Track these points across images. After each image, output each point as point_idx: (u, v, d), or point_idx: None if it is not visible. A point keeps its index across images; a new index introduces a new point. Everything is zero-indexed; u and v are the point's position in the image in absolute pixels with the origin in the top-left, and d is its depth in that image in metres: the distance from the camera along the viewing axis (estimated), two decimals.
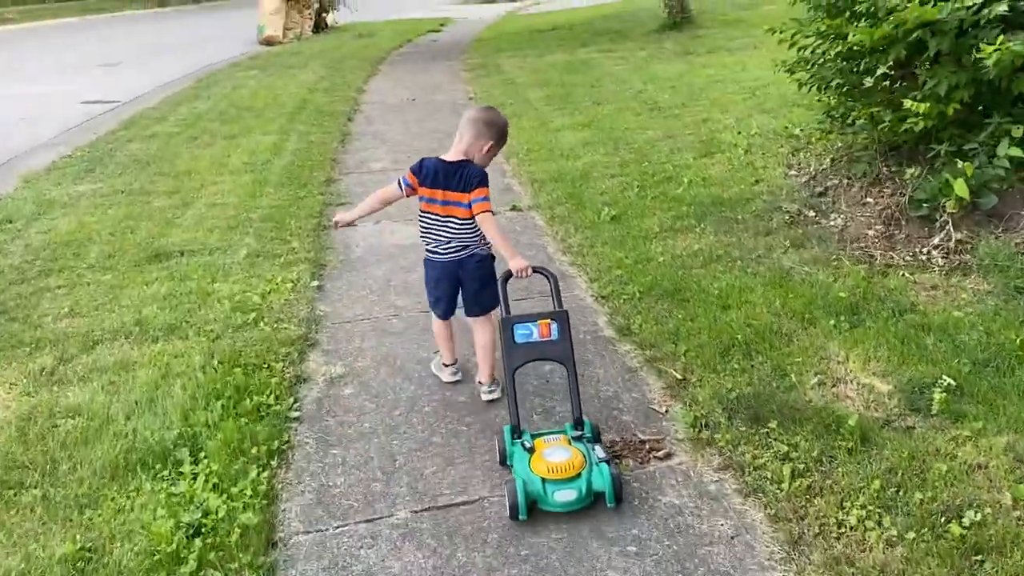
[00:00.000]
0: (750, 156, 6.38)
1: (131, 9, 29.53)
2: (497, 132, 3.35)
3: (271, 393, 3.57)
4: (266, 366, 3.81)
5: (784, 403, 3.15)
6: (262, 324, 4.23)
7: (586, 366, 3.70)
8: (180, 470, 3.06)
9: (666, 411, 3.30)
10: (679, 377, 3.46)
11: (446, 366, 3.66)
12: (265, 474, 3.01)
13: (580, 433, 2.94)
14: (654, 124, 7.70)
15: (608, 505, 2.74)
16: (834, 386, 3.27)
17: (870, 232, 4.67)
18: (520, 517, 2.70)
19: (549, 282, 3.20)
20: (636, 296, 4.25)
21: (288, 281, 4.77)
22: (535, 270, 3.19)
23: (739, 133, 6.97)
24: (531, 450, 2.84)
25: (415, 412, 3.45)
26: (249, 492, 2.90)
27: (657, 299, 4.18)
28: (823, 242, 4.65)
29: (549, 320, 3.01)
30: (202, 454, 3.14)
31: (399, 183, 3.38)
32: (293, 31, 18.98)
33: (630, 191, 5.88)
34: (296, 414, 3.47)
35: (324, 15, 20.43)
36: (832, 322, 3.72)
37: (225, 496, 2.89)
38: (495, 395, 3.47)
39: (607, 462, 2.78)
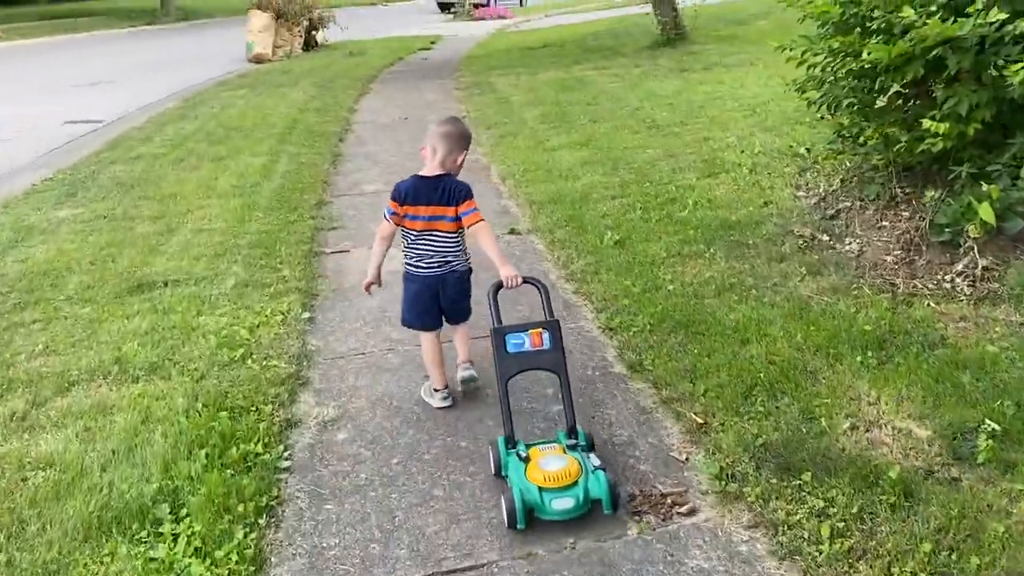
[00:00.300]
0: (755, 176, 6.17)
1: (119, 28, 29.27)
2: (467, 142, 3.48)
3: (259, 440, 3.31)
4: (254, 409, 3.56)
5: (816, 451, 2.91)
6: (250, 361, 3.98)
7: (598, 407, 3.46)
8: (159, 530, 2.79)
9: (687, 459, 3.06)
10: (699, 421, 3.22)
11: (436, 391, 3.59)
12: (253, 535, 2.75)
13: (574, 441, 2.96)
14: (653, 143, 7.50)
15: (605, 512, 2.74)
16: (868, 431, 3.04)
17: (888, 258, 4.45)
18: (519, 526, 2.70)
19: (540, 292, 3.25)
20: (646, 328, 4.01)
21: (278, 313, 4.52)
22: (525, 280, 3.26)
23: (742, 152, 6.77)
24: (526, 459, 2.85)
25: (415, 460, 3.20)
26: (235, 557, 2.64)
27: (669, 332, 3.95)
28: (840, 269, 4.44)
29: (541, 329, 3.05)
30: (184, 511, 2.88)
31: (385, 217, 3.46)
32: (283, 49, 18.79)
33: (633, 213, 5.66)
34: (286, 463, 3.22)
35: (314, 33, 20.25)
36: (859, 358, 3.49)
37: (209, 562, 2.63)
38: (470, 372, 3.57)
39: (603, 470, 2.79)
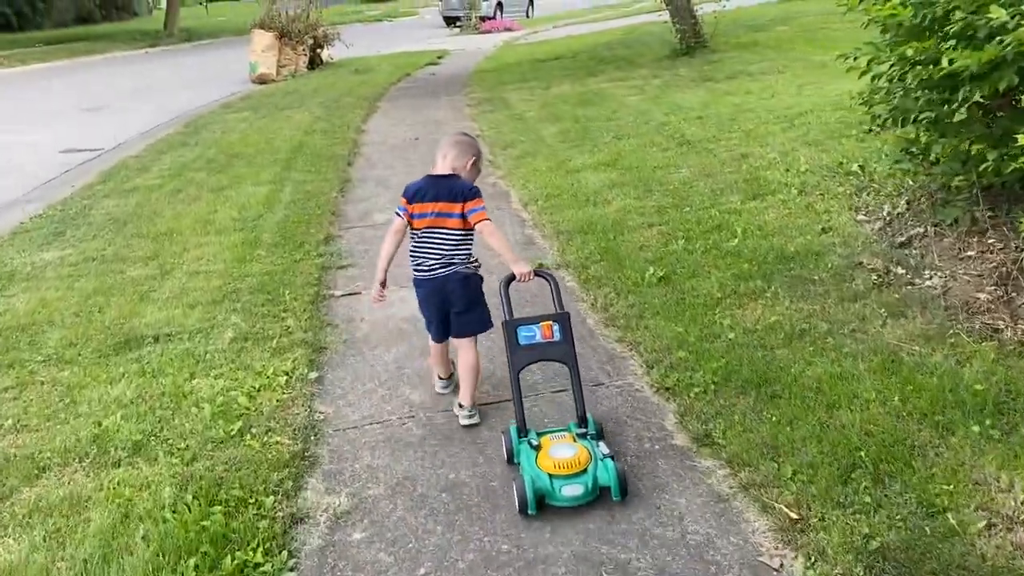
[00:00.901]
0: (806, 198, 5.60)
1: (121, 51, 28.94)
2: (476, 150, 3.50)
3: (259, 545, 2.76)
4: (253, 501, 3.00)
5: (949, 561, 2.34)
6: (248, 437, 3.43)
7: (661, 491, 2.90)
8: None
9: (781, 565, 2.49)
10: (793, 516, 2.64)
11: (440, 379, 3.73)
12: None
13: (584, 430, 3.04)
14: (687, 161, 6.93)
15: (614, 499, 2.81)
16: (1010, 530, 2.46)
17: (982, 296, 3.87)
18: (529, 512, 2.79)
19: (550, 285, 3.31)
20: (710, 388, 3.44)
21: (281, 373, 3.97)
22: (537, 274, 3.31)
23: (787, 170, 6.20)
24: (537, 447, 2.94)
25: (445, 569, 2.63)
26: None
27: (738, 393, 3.37)
28: (926, 309, 3.85)
29: (551, 322, 3.12)
30: None
31: (397, 213, 3.45)
32: (287, 68, 18.33)
33: (675, 243, 5.09)
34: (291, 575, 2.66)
35: (319, 51, 19.79)
36: (975, 427, 2.91)
37: None
38: (474, 420, 3.46)
39: (611, 458, 2.88)
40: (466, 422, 3.45)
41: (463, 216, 3.31)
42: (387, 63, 19.23)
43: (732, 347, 3.73)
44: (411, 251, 3.47)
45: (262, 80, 17.65)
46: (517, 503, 2.82)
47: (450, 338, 3.56)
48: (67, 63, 25.61)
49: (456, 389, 3.62)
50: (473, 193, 3.34)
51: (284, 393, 3.80)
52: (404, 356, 4.17)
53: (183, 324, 4.61)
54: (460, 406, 3.48)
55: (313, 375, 3.99)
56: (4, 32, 35.80)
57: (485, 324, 3.48)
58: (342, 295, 5.07)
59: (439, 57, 20.24)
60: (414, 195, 3.38)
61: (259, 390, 3.83)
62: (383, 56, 21.11)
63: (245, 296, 4.98)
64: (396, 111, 12.00)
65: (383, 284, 3.56)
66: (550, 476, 2.81)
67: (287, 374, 3.96)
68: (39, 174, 9.28)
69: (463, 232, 3.35)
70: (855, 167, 5.88)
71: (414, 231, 3.42)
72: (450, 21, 32.36)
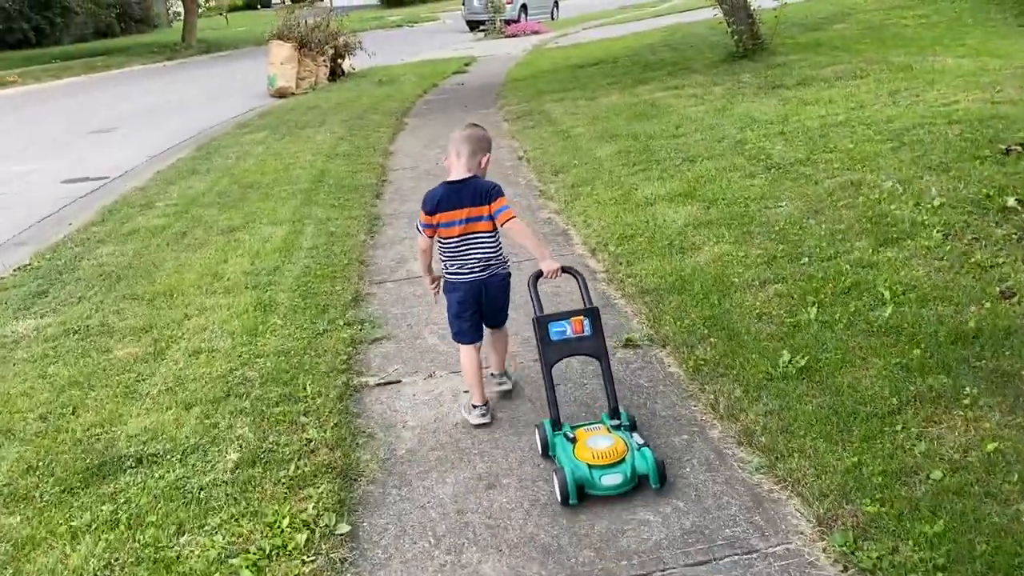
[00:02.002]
0: (956, 244, 4.44)
1: (139, 64, 28.18)
2: (489, 144, 3.43)
3: None
4: None
5: None
6: None
7: None
8: None
9: None
10: None
11: (475, 407, 3.51)
12: None
13: (618, 422, 3.09)
14: (783, 190, 5.79)
15: (652, 486, 2.86)
16: None
17: None
18: (571, 502, 2.83)
19: (578, 281, 3.34)
20: (931, 573, 2.31)
21: (300, 525, 2.89)
22: (564, 269, 3.33)
23: (916, 204, 5.04)
24: (573, 440, 2.99)
25: None
26: None
27: None
28: None
29: (582, 317, 3.15)
30: None
31: (418, 230, 3.44)
32: (307, 80, 17.36)
33: (804, 311, 3.95)
34: None
35: (340, 61, 18.80)
36: None
37: None
38: (507, 386, 3.67)
39: (647, 447, 2.92)
40: (498, 388, 3.67)
41: (491, 217, 3.32)
42: (412, 72, 18.20)
43: (942, 495, 2.59)
44: (447, 258, 3.44)
45: (281, 94, 16.69)
46: (559, 495, 2.87)
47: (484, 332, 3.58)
48: (83, 79, 24.88)
49: (494, 418, 3.53)
50: (497, 192, 3.34)
51: (304, 562, 2.71)
52: (466, 489, 3.08)
53: (175, 437, 3.55)
54: (492, 375, 3.69)
55: (343, 528, 2.90)
56: (22, 48, 35.29)
57: (507, 315, 3.62)
58: (377, 384, 3.99)
59: (466, 64, 19.19)
60: (436, 205, 3.36)
61: (270, 555, 2.75)
62: (407, 65, 20.10)
63: (256, 389, 3.91)
64: (425, 128, 10.94)
65: (433, 280, 3.62)
66: (589, 466, 2.86)
67: (308, 526, 2.88)
68: (36, 208, 8.35)
69: (494, 233, 3.38)
70: (1011, 201, 4.70)
71: (445, 239, 3.39)
72: (473, 25, 31.32)
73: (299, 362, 4.17)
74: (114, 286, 5.58)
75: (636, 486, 2.88)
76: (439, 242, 3.43)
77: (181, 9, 34.65)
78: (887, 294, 3.94)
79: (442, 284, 3.55)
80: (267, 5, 56.33)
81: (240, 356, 4.29)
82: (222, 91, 18.38)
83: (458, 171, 3.36)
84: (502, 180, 5.56)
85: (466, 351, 3.52)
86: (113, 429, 3.68)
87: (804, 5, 14.54)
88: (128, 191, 8.58)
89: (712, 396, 3.44)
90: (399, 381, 3.99)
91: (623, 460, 2.87)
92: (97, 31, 41.21)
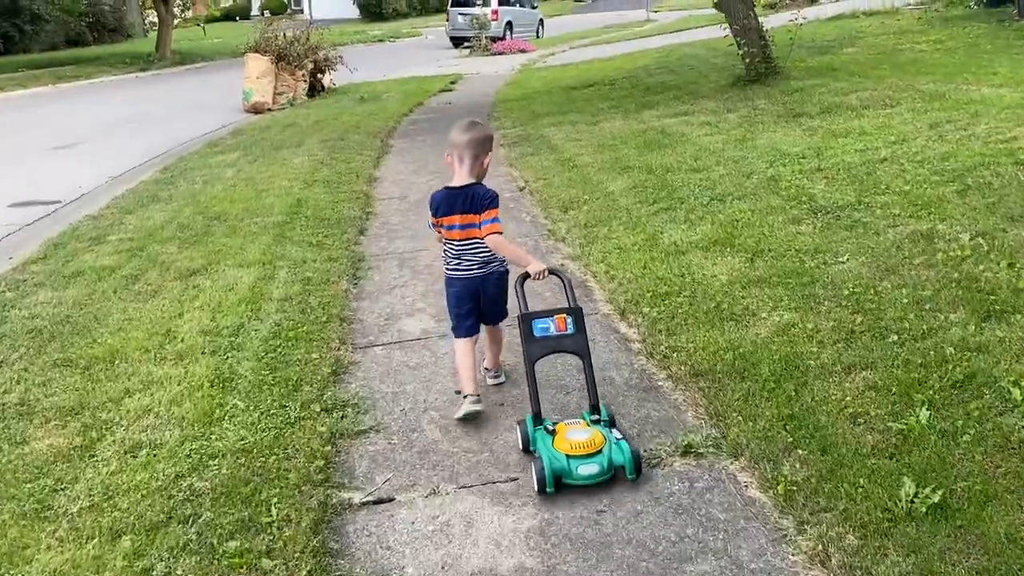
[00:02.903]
0: None
1: (110, 75, 27.07)
2: (491, 143, 3.56)
3: None
4: None
5: None
6: None
7: None
8: None
9: None
10: None
11: (466, 397, 3.52)
12: None
13: (597, 417, 3.17)
14: (838, 240, 4.96)
15: (628, 477, 2.97)
16: None
17: None
18: (548, 490, 2.92)
19: (564, 283, 3.47)
20: None
21: None
22: (551, 271, 3.47)
23: (1010, 266, 4.23)
24: (553, 432, 3.08)
25: None
26: None
27: None
28: None
29: (565, 315, 3.25)
30: None
31: (430, 226, 3.64)
32: (285, 96, 16.44)
33: (910, 414, 3.09)
34: None
35: (320, 76, 17.90)
36: None
37: None
38: (500, 380, 3.83)
39: (625, 440, 3.04)
40: (493, 382, 3.79)
41: (479, 227, 3.45)
42: (395, 89, 17.34)
43: None
44: (450, 257, 3.58)
45: (257, 109, 15.78)
46: (535, 483, 2.93)
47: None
48: (50, 90, 23.76)
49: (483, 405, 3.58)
50: (491, 203, 3.45)
51: None
52: None
53: None
54: (487, 369, 3.80)
55: None
56: None
57: (506, 312, 3.71)
58: (363, 502, 3.08)
59: (452, 82, 18.36)
60: (437, 208, 3.53)
61: None
62: (390, 81, 19.25)
63: (206, 510, 2.99)
64: (413, 151, 10.06)
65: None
66: (567, 456, 2.95)
67: None
68: None
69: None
70: None
71: (448, 240, 3.56)
72: (457, 42, 30.59)
73: (263, 467, 3.25)
74: (45, 347, 4.62)
75: (613, 477, 2.98)
76: (444, 241, 3.60)
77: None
78: (1017, 393, 3.10)
79: (444, 280, 3.68)
80: (246, 17, 55.38)
81: (189, 457, 3.36)
82: (195, 105, 17.42)
83: (460, 177, 3.49)
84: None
85: (461, 345, 3.62)
86: (11, 572, 2.74)
87: (807, 27, 13.81)
88: (80, 220, 7.62)
89: (816, 543, 2.57)
90: (392, 499, 3.09)
91: (600, 451, 2.97)
92: (69, 40, 40.00)
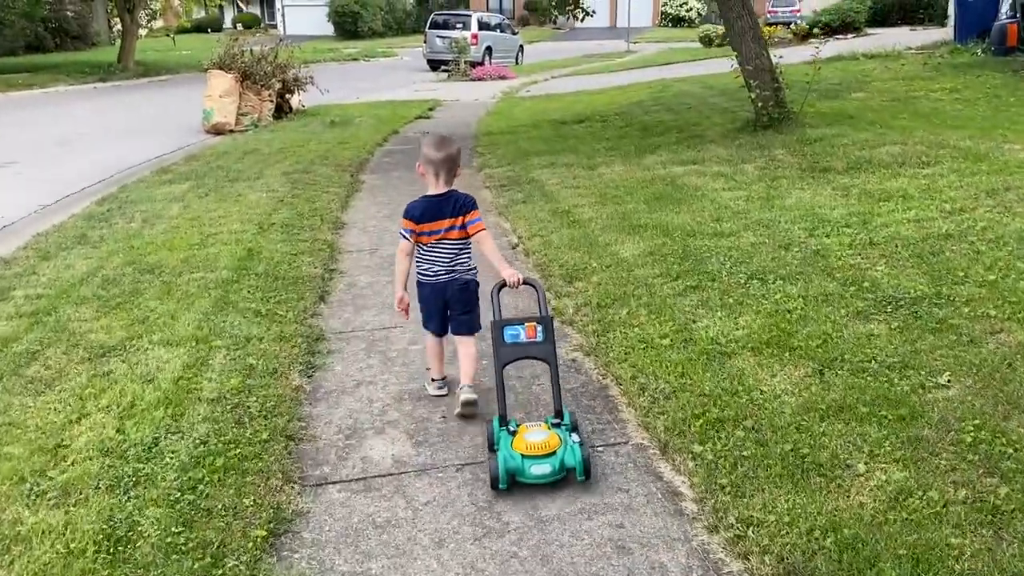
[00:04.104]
0: None
1: (66, 84, 25.63)
2: (460, 155, 3.83)
3: None
4: None
5: None
6: None
7: None
8: None
9: None
10: None
11: (433, 380, 3.98)
12: None
13: (559, 421, 3.33)
14: (925, 349, 3.92)
15: (578, 479, 3.13)
16: None
17: None
18: (500, 487, 3.10)
19: (537, 292, 3.61)
20: None
21: None
22: (525, 281, 3.63)
23: None
24: (514, 433, 3.23)
25: None
26: None
27: None
28: None
29: (535, 323, 3.41)
30: None
31: (404, 236, 3.76)
32: (249, 117, 15.25)
33: None
34: None
35: (288, 97, 16.72)
36: None
37: None
38: (472, 395, 3.72)
39: (580, 444, 3.18)
40: (465, 397, 3.70)
41: (464, 227, 3.69)
42: (369, 114, 16.23)
43: None
44: (418, 258, 3.79)
45: (218, 130, 14.60)
46: (489, 479, 3.11)
47: (450, 335, 3.89)
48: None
49: (450, 391, 3.94)
50: (472, 205, 3.73)
51: None
52: None
53: None
54: (461, 385, 3.75)
55: None
56: None
57: (478, 326, 3.86)
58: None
59: (430, 108, 17.30)
60: (420, 217, 3.70)
61: None
62: (363, 104, 18.14)
63: None
64: (387, 190, 8.95)
65: (403, 298, 3.84)
66: (522, 456, 3.09)
67: None
68: None
69: (464, 240, 3.74)
70: None
71: (422, 245, 3.74)
72: (435, 65, 29.59)
73: None
74: None
75: (564, 478, 3.11)
76: (418, 245, 3.74)
77: None
78: None
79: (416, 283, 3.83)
80: (218, 29, 54.03)
81: None
82: (151, 123, 16.17)
83: (438, 187, 3.70)
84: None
85: (430, 339, 3.94)
86: None
87: (808, 69, 12.96)
88: None
89: None
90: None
91: (553, 453, 3.10)
92: (29, 45, 38.35)
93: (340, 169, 10.02)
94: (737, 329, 4.36)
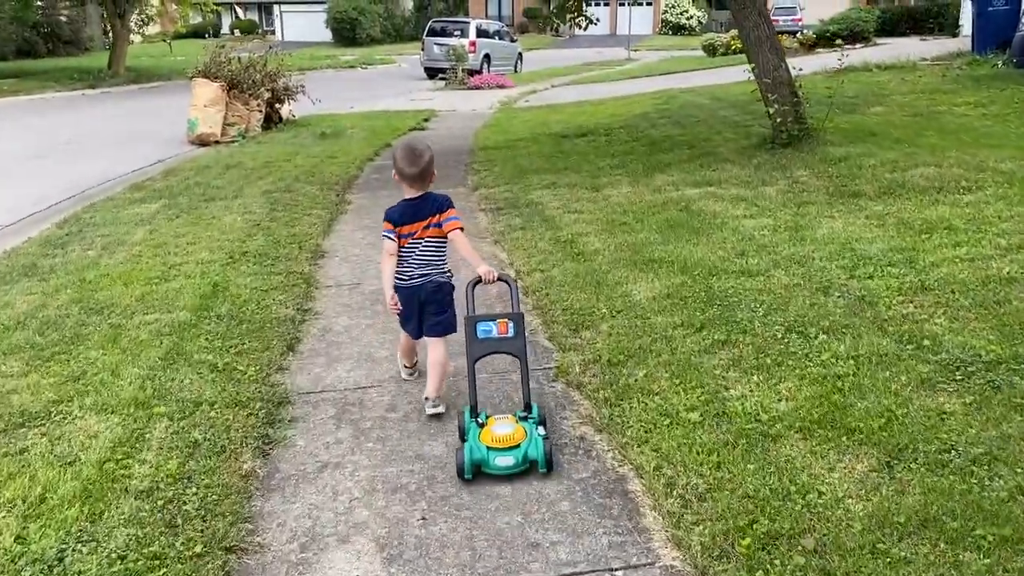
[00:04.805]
0: None
1: (54, 91, 24.92)
2: (432, 157, 3.78)
3: None
4: None
5: None
6: None
7: None
8: None
9: None
10: None
11: (405, 367, 4.24)
12: None
13: (527, 415, 3.44)
14: (1017, 437, 3.19)
15: (540, 470, 3.26)
16: None
17: None
18: (465, 476, 3.24)
19: (510, 288, 3.70)
20: None
21: None
22: (499, 277, 3.69)
23: None
24: (482, 425, 3.35)
25: None
26: None
27: None
28: None
29: (507, 320, 3.52)
30: None
31: (388, 238, 3.79)
32: (236, 127, 14.54)
33: None
34: None
35: (278, 106, 16.00)
36: None
37: None
38: (439, 410, 3.81)
39: (544, 438, 3.31)
40: (431, 411, 3.80)
41: (440, 225, 3.73)
42: (361, 125, 15.52)
43: None
44: (402, 258, 3.81)
45: (202, 142, 13.90)
46: (456, 469, 3.26)
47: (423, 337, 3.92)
48: None
49: (420, 377, 4.14)
50: (448, 204, 3.79)
51: None
52: None
53: None
54: (427, 399, 3.82)
55: None
56: None
57: (452, 327, 3.87)
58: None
59: (425, 120, 16.59)
60: (400, 219, 3.76)
61: None
62: (357, 114, 17.42)
63: None
64: (374, 211, 8.21)
65: (393, 297, 3.83)
66: (488, 448, 3.24)
67: None
68: None
69: (440, 240, 3.78)
70: None
71: (400, 246, 3.79)
72: (432, 73, 28.89)
73: None
74: None
75: (527, 469, 3.26)
76: (399, 246, 3.80)
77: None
78: None
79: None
80: (216, 35, 53.33)
81: None
82: (135, 132, 15.47)
83: (413, 192, 3.76)
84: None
85: (405, 338, 4.06)
86: None
87: (818, 80, 12.31)
88: None
89: None
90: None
91: (518, 446, 3.23)
92: (20, 51, 37.68)
93: (325, 187, 9.31)
94: (779, 400, 3.64)
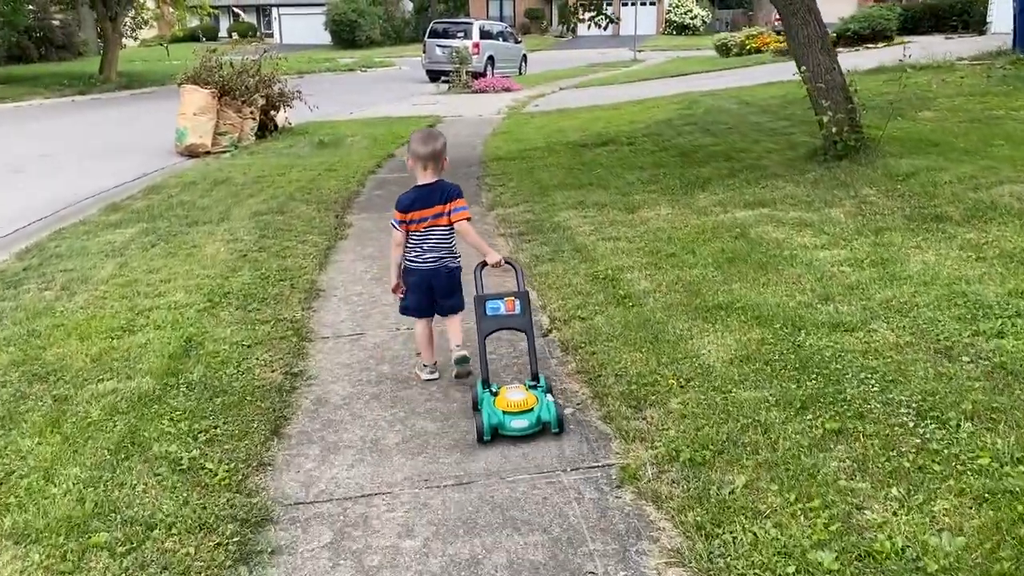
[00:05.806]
0: None
1: (43, 97, 23.94)
2: (446, 144, 4.00)
3: None
4: None
5: None
6: None
7: None
8: None
9: None
10: None
11: (425, 366, 4.23)
12: None
13: (536, 384, 3.72)
14: None
15: (552, 431, 3.54)
16: None
17: None
18: (485, 439, 3.50)
19: (516, 271, 4.00)
20: None
21: None
22: (506, 261, 3.95)
23: None
24: (495, 393, 3.62)
25: None
26: None
27: None
28: None
29: (514, 298, 3.78)
30: None
31: (395, 227, 4.02)
32: (228, 136, 13.61)
33: None
34: None
35: (273, 113, 15.05)
36: None
37: None
38: (464, 352, 4.05)
39: (555, 403, 3.59)
40: (458, 354, 4.05)
41: (448, 215, 3.94)
42: (362, 132, 14.57)
43: None
44: (408, 245, 4.03)
45: (192, 152, 12.98)
46: (476, 433, 3.52)
47: (436, 316, 4.17)
48: None
49: (441, 378, 4.23)
50: (457, 194, 3.97)
51: None
52: None
53: None
54: (455, 347, 4.07)
55: None
56: None
57: (461, 306, 4.16)
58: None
59: (430, 126, 15.56)
60: (410, 206, 3.95)
61: None
62: (357, 121, 16.48)
63: None
64: (377, 236, 7.23)
65: (398, 285, 4.13)
66: (504, 413, 3.50)
67: None
68: None
69: (450, 227, 3.98)
70: None
71: (412, 232, 3.99)
72: (434, 76, 27.89)
73: None
74: None
75: (540, 430, 3.52)
76: (409, 233, 4.00)
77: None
78: None
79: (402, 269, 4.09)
80: (213, 38, 52.38)
81: None
82: (122, 142, 14.54)
83: (426, 177, 3.94)
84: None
85: (419, 323, 4.19)
86: None
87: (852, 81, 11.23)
88: None
89: None
90: None
91: (531, 409, 3.51)
92: (11, 55, 36.68)
93: (322, 207, 8.32)
94: (938, 530, 2.64)
